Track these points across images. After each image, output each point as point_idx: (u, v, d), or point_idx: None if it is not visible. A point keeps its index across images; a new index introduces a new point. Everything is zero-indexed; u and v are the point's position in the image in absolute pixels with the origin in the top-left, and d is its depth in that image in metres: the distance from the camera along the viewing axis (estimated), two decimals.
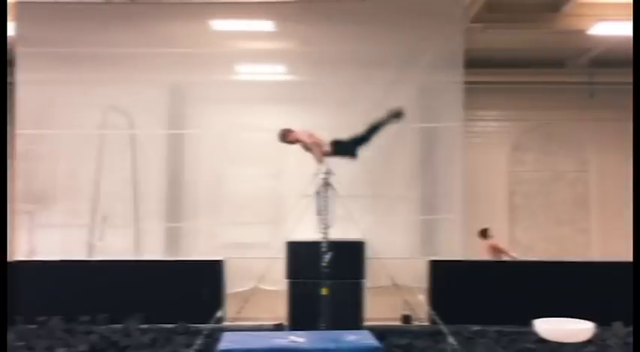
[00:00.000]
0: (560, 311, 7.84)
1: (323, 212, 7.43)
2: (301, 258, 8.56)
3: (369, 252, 8.83)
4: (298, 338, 5.97)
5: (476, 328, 8.86)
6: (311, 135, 7.69)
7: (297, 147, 7.77)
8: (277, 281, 8.89)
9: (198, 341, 7.88)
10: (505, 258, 11.36)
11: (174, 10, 9.60)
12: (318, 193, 7.53)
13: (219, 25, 9.97)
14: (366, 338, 6.16)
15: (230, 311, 9.08)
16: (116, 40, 9.94)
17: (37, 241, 10.77)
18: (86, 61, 10.28)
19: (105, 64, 10.16)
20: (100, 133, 10.50)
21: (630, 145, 7.47)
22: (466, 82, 9.77)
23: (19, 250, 10.30)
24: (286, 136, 7.78)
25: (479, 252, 11.21)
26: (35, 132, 10.60)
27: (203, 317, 8.40)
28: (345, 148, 7.62)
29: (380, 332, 8.20)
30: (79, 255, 10.12)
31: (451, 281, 9.25)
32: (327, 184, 7.49)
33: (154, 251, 10.62)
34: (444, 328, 8.04)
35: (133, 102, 10.42)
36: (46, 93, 10.51)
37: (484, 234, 11.71)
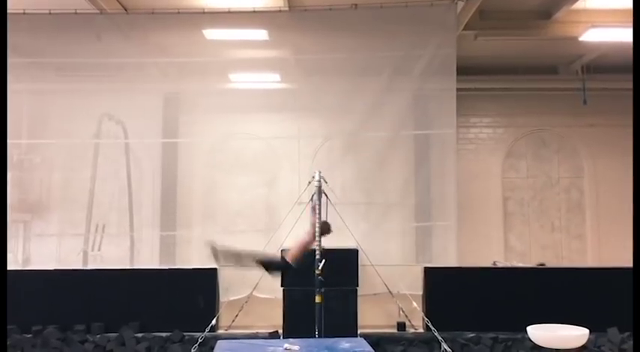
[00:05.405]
0: (555, 318, 7.83)
1: (317, 219, 7.43)
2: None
3: (364, 260, 8.84)
4: (293, 346, 5.98)
5: (470, 335, 8.88)
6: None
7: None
8: (272, 289, 8.91)
9: (194, 350, 7.91)
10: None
11: (168, 20, 9.59)
12: (312, 201, 7.55)
13: (213, 34, 9.97)
14: (361, 346, 6.17)
15: (225, 320, 9.09)
16: (110, 49, 9.94)
17: (32, 250, 10.78)
18: (80, 70, 10.32)
19: (99, 74, 10.18)
20: (95, 142, 10.49)
21: (625, 151, 7.49)
22: (459, 89, 9.78)
23: (15, 259, 10.31)
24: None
25: (473, 259, 11.16)
26: (30, 142, 10.62)
27: (198, 325, 8.41)
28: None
29: (375, 340, 8.27)
30: (73, 264, 10.10)
31: (446, 288, 9.26)
32: (320, 192, 7.51)
33: (148, 259, 10.62)
34: (438, 335, 8.06)
35: (127, 112, 10.40)
36: (40, 102, 10.54)
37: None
